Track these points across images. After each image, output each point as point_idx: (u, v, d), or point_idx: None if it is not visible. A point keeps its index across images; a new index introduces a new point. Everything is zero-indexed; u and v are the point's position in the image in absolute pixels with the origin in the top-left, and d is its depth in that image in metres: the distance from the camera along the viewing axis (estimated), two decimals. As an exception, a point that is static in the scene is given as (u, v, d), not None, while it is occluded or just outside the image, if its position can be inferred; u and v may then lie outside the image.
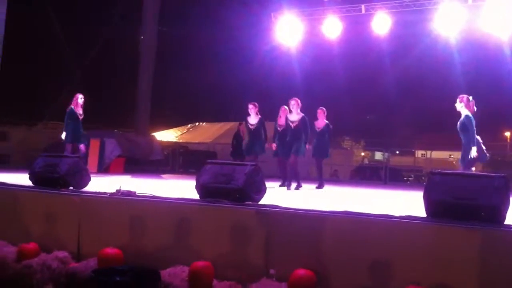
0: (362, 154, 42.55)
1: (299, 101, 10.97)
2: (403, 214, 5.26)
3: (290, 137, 10.90)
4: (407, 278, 4.71)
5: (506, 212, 4.96)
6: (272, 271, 5.21)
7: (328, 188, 11.84)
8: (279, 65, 20.07)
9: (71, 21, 25.54)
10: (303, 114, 10.89)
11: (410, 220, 5.07)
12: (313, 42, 17.84)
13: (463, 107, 8.97)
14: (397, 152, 35.80)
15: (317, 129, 11.82)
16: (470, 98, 9.05)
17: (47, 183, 7.36)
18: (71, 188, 7.34)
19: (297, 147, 10.77)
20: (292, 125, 10.90)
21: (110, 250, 5.90)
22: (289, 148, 10.90)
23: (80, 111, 11.84)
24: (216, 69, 28.48)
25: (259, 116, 11.57)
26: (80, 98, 11.84)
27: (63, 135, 11.74)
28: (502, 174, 5.16)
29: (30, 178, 7.63)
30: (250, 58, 23.15)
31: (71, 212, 6.61)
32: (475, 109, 9.03)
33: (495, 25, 14.29)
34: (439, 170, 5.48)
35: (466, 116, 8.86)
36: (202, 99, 31.72)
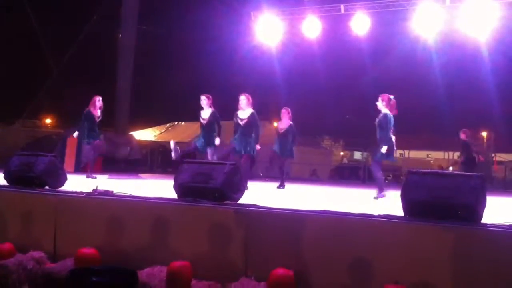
0: (341, 153, 42.72)
1: (249, 96, 10.20)
2: (382, 213, 5.29)
3: (240, 135, 10.13)
4: (386, 277, 4.72)
5: (483, 211, 5.00)
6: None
7: (307, 188, 11.85)
8: (259, 65, 20.01)
9: (49, 19, 25.25)
10: (253, 110, 10.14)
11: (388, 219, 5.09)
12: (293, 41, 17.84)
13: (383, 106, 9.28)
14: (376, 151, 35.89)
15: (279, 130, 11.28)
16: (391, 97, 9.34)
17: (23, 182, 7.25)
18: (47, 187, 7.24)
19: (246, 145, 10.09)
20: (242, 123, 10.10)
21: (87, 250, 5.82)
22: (239, 147, 10.11)
23: (98, 113, 11.71)
24: (196, 68, 28.37)
25: (213, 109, 10.60)
26: (98, 101, 11.75)
27: (75, 134, 11.82)
28: (479, 174, 5.22)
29: (5, 177, 7.51)
30: (230, 57, 23.07)
31: (47, 212, 6.52)
32: (395, 107, 9.31)
33: (472, 26, 14.43)
34: (417, 170, 5.51)
35: (385, 114, 9.25)
36: (181, 98, 31.52)
